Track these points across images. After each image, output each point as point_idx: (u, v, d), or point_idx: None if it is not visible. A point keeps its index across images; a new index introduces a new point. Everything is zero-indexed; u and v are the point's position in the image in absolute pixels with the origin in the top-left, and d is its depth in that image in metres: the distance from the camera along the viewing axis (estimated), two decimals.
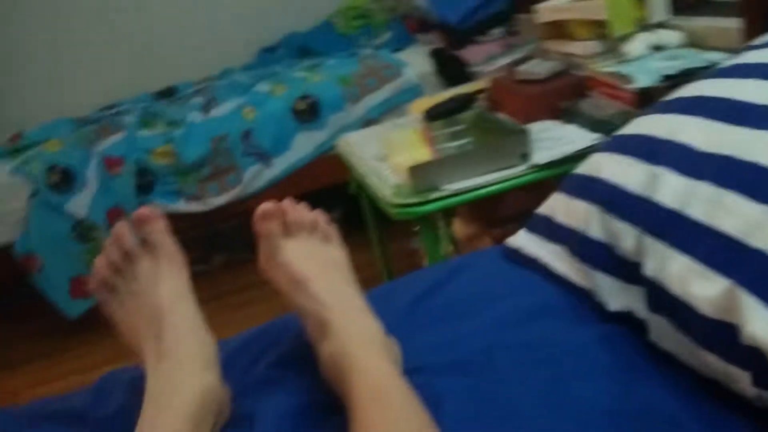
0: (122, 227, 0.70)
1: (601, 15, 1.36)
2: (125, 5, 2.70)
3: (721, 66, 0.75)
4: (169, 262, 0.70)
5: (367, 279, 0.78)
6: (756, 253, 0.49)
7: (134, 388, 0.73)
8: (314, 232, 0.73)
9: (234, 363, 0.74)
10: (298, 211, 0.73)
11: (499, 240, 1.66)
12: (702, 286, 0.53)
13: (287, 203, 0.73)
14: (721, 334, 0.50)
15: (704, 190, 0.57)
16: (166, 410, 0.59)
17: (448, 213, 1.32)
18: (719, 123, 0.62)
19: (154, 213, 0.71)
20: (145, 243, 0.70)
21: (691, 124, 0.65)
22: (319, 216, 0.75)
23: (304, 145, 2.13)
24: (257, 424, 0.63)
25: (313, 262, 0.69)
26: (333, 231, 0.75)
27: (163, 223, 0.72)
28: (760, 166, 0.54)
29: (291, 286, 0.68)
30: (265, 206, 0.70)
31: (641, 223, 0.62)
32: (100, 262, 0.70)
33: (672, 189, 0.60)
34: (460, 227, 1.81)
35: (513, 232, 0.91)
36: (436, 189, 1.19)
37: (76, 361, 2.01)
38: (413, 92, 2.19)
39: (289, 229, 0.71)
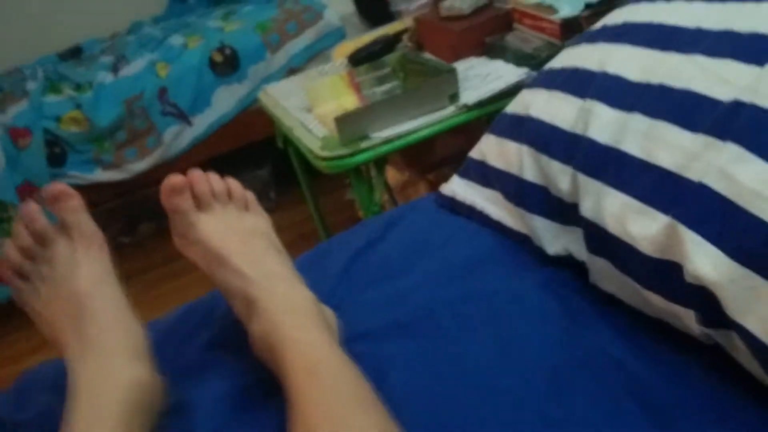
0: (32, 207, 0.63)
1: None
2: None
3: None
4: (87, 243, 0.64)
5: (305, 234, 0.75)
6: (695, 185, 0.47)
7: (56, 386, 0.68)
8: (229, 202, 0.67)
9: (164, 347, 0.69)
10: (209, 182, 0.67)
11: (434, 184, 1.64)
12: (641, 224, 0.51)
13: (196, 174, 0.67)
14: (664, 273, 0.49)
15: (638, 122, 0.54)
16: (94, 408, 0.54)
17: (381, 161, 1.29)
18: (649, 50, 0.59)
19: (67, 189, 0.64)
20: (60, 223, 0.64)
21: (621, 53, 0.62)
22: (232, 183, 0.69)
23: (225, 99, 2.02)
24: (195, 410, 0.59)
25: (231, 235, 0.64)
26: (250, 197, 0.70)
27: (78, 200, 0.65)
28: (693, 92, 0.52)
29: (210, 264, 0.63)
30: (172, 179, 0.64)
31: (575, 162, 0.60)
32: (10, 248, 0.64)
33: (605, 124, 0.58)
34: (393, 174, 1.78)
35: (447, 175, 0.88)
36: (365, 138, 1.15)
37: (5, 350, 1.90)
38: (336, 35, 2.10)
39: (201, 202, 0.66)
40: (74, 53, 2.39)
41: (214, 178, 0.68)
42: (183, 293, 1.52)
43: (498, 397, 0.52)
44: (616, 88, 0.59)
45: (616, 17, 0.69)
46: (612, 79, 0.60)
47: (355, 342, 0.61)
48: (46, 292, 0.63)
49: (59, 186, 0.64)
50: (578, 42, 0.72)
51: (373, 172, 1.30)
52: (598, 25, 0.72)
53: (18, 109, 1.92)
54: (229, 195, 0.68)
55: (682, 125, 0.51)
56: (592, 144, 0.58)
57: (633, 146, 0.54)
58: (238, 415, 0.58)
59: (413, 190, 1.78)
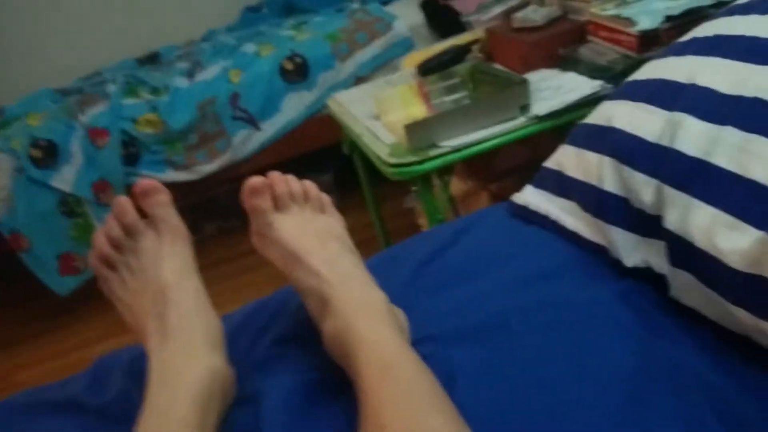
0: (124, 201, 0.66)
1: None
2: None
3: (737, 2, 0.70)
4: (173, 237, 0.67)
5: (363, 241, 0.76)
6: None
7: (132, 371, 0.70)
8: (306, 204, 0.69)
9: (236, 340, 0.71)
10: (288, 183, 0.69)
11: (497, 195, 1.63)
12: (731, 238, 0.49)
13: (275, 176, 0.68)
14: (753, 289, 0.47)
15: (730, 135, 0.53)
16: (172, 394, 0.56)
17: (446, 170, 1.28)
18: (742, 63, 0.58)
19: (156, 185, 0.67)
20: (148, 217, 0.67)
21: (711, 66, 0.61)
22: (310, 186, 0.71)
23: (293, 106, 2.06)
24: (264, 403, 0.60)
25: (308, 236, 0.65)
26: (326, 200, 0.71)
27: (166, 195, 0.68)
28: None
29: (287, 263, 0.64)
30: (253, 181, 0.66)
31: (661, 174, 0.58)
32: (99, 238, 0.67)
33: (694, 136, 0.56)
34: (456, 184, 1.78)
35: (511, 186, 0.87)
36: (433, 146, 1.15)
37: (71, 339, 1.98)
38: (404, 46, 2.12)
39: (279, 203, 0.67)
40: (152, 59, 2.49)
41: (292, 180, 0.70)
42: (243, 291, 1.55)
43: (571, 408, 0.51)
44: (706, 100, 0.58)
45: (706, 29, 0.68)
46: (702, 91, 0.59)
47: (423, 344, 0.61)
48: (131, 281, 0.65)
49: (149, 181, 0.66)
50: (665, 54, 0.71)
51: (438, 181, 1.30)
52: (687, 37, 0.70)
53: (98, 111, 2.01)
54: (306, 197, 0.69)
55: None
56: (680, 156, 0.57)
57: (724, 159, 0.53)
58: (307, 409, 0.59)
59: (475, 201, 1.77)
